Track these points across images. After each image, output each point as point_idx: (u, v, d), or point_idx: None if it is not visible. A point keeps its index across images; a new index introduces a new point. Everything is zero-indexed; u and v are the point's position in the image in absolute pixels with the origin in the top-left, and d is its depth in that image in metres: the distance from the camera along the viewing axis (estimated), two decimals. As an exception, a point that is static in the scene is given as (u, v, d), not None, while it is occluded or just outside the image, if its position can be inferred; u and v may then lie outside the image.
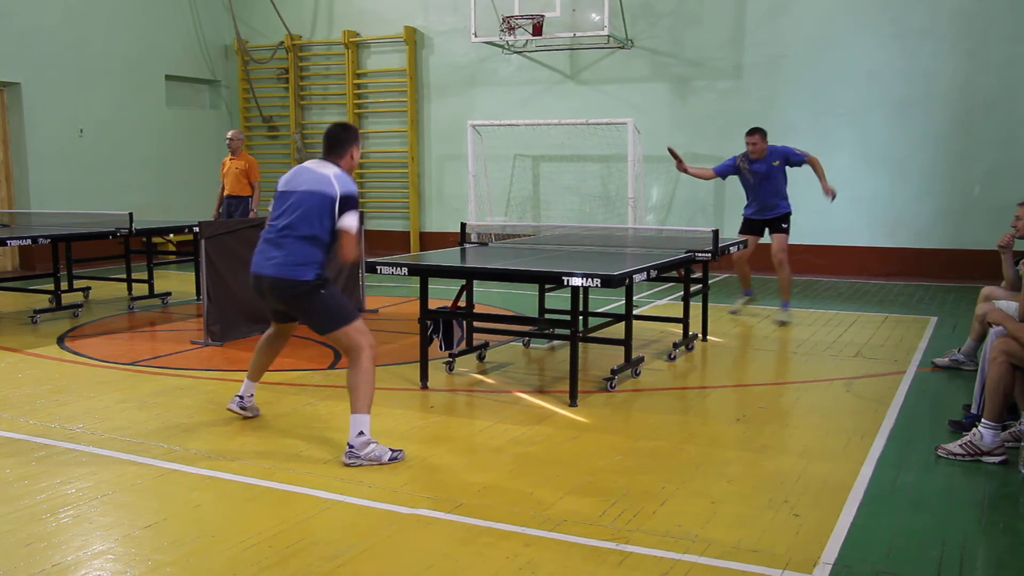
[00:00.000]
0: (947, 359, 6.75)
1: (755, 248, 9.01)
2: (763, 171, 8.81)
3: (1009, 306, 5.33)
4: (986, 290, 6.42)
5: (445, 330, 6.45)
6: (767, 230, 9.01)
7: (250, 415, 5.45)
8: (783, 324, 8.73)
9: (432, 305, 6.32)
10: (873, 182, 12.05)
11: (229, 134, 11.54)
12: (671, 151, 8.85)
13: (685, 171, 8.88)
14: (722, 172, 9.09)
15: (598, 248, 7.34)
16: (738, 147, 12.64)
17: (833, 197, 8.72)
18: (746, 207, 9.12)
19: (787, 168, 8.91)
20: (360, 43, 15.16)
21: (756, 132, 8.85)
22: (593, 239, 8.13)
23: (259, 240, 4.96)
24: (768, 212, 8.93)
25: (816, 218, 12.34)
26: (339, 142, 4.92)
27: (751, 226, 9.05)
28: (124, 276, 10.24)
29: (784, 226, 8.93)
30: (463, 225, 7.53)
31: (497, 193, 14.00)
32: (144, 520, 3.94)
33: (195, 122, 15.80)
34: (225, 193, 11.53)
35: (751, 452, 4.89)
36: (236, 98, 16.32)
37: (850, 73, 11.99)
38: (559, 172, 13.79)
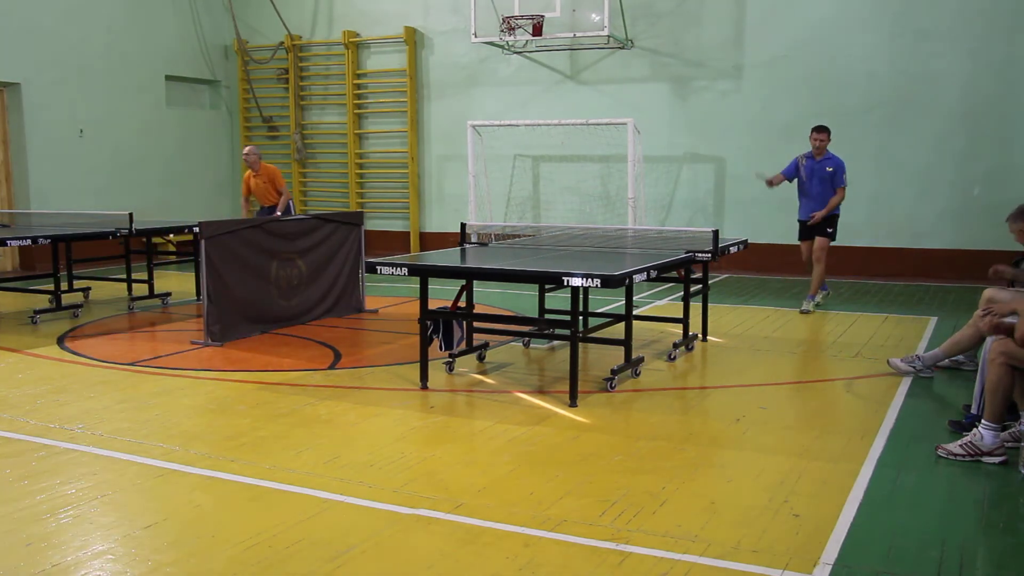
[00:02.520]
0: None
1: (810, 253, 9.50)
2: (814, 171, 9.29)
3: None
4: (987, 292, 6.39)
5: (445, 330, 6.46)
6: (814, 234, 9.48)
7: None
8: (806, 312, 9.26)
9: (432, 305, 6.32)
10: (873, 182, 12.04)
11: (245, 151, 11.45)
12: (767, 181, 9.51)
13: (771, 183, 9.52)
14: (788, 174, 9.56)
15: (598, 248, 7.34)
16: (736, 147, 12.73)
17: (815, 222, 9.39)
18: (799, 210, 9.56)
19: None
20: (360, 43, 15.16)
21: (825, 130, 9.30)
22: (593, 239, 8.13)
23: None
24: (808, 215, 9.40)
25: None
26: None
27: (801, 230, 9.57)
28: (124, 276, 10.25)
29: (829, 230, 9.39)
30: (463, 225, 7.53)
31: (497, 193, 14.00)
32: (144, 520, 3.94)
33: (195, 122, 15.81)
34: (259, 207, 11.54)
35: (751, 452, 4.89)
36: (236, 98, 16.33)
37: (850, 73, 11.99)
38: (559, 172, 13.79)
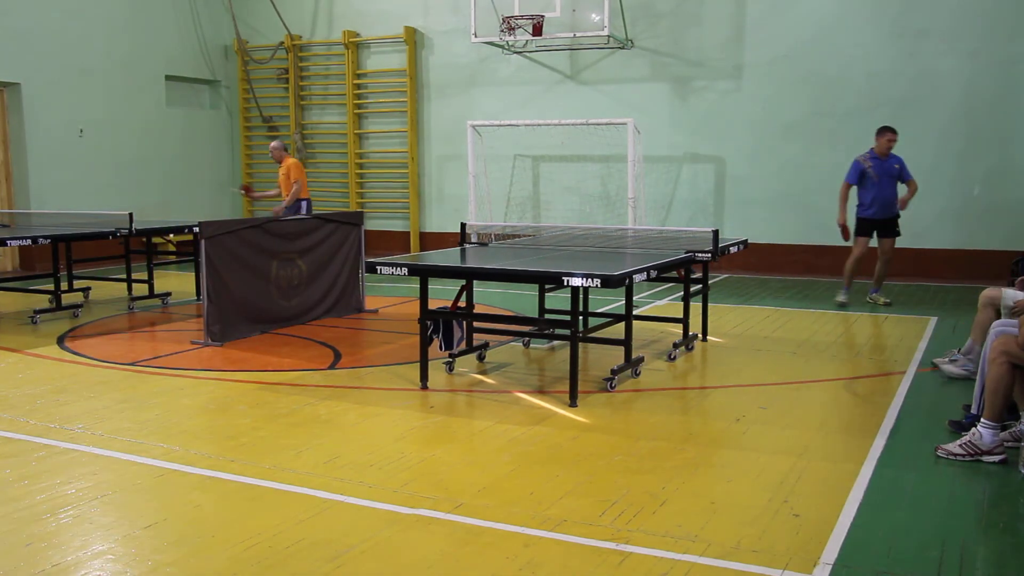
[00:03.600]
0: (947, 359, 6.73)
1: (867, 250, 9.73)
2: (884, 170, 9.52)
3: (1015, 295, 5.33)
4: (987, 292, 6.39)
5: (445, 330, 6.46)
6: (875, 232, 9.72)
7: None
8: (887, 304, 9.72)
9: (432, 305, 6.32)
10: (873, 182, 12.04)
11: (270, 146, 11.74)
12: (842, 229, 9.72)
13: (844, 219, 9.71)
14: (854, 179, 9.67)
15: (598, 248, 7.34)
16: (737, 147, 12.71)
17: (903, 207, 9.69)
18: (864, 208, 9.65)
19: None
20: (360, 43, 15.16)
21: (895, 130, 9.57)
22: (593, 239, 8.13)
23: None
24: (884, 213, 9.60)
25: (816, 218, 12.34)
26: None
27: (867, 227, 9.70)
28: (124, 276, 10.25)
29: (897, 230, 9.74)
30: (463, 225, 7.53)
31: (497, 193, 14.00)
32: (144, 520, 3.94)
33: (195, 122, 15.81)
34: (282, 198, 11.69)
35: (751, 452, 4.89)
36: (236, 98, 16.32)
37: (850, 73, 11.99)
38: (559, 172, 13.78)
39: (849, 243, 9.87)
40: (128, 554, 3.62)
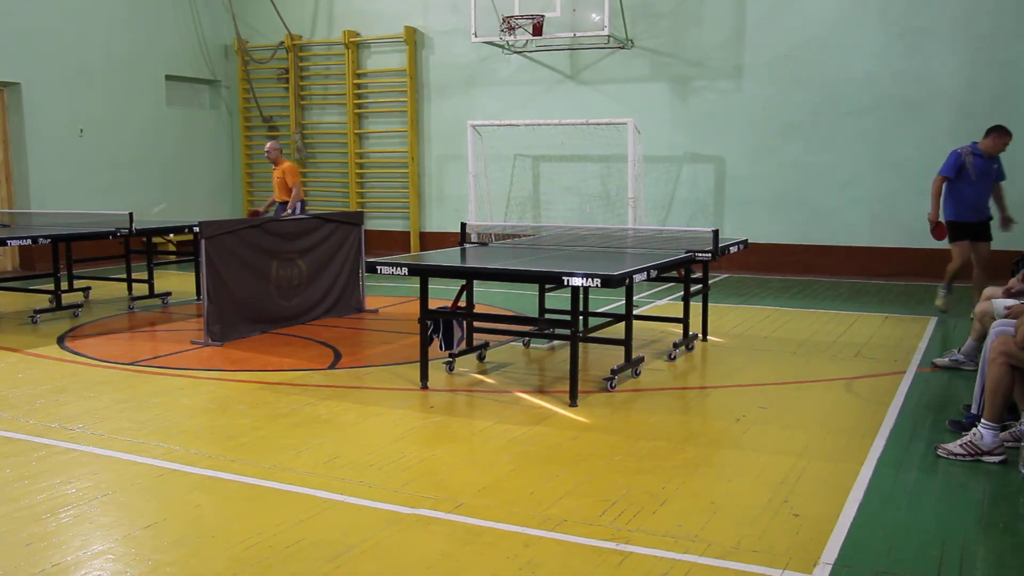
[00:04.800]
0: (947, 359, 6.74)
1: (968, 256, 8.88)
2: (985, 169, 8.72)
3: (1005, 302, 5.35)
4: (987, 291, 6.40)
5: (445, 330, 6.46)
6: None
7: None
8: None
9: (432, 305, 6.33)
10: (873, 182, 12.04)
11: (266, 147, 11.87)
12: (935, 226, 8.85)
13: (937, 215, 8.82)
14: (951, 172, 8.74)
15: (598, 248, 7.34)
16: (737, 147, 12.70)
17: (1007, 225, 8.97)
18: (955, 209, 8.80)
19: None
20: (360, 43, 15.16)
21: (1011, 133, 8.76)
22: (593, 239, 8.13)
23: None
24: (980, 215, 8.84)
25: (816, 218, 12.35)
26: None
27: (962, 231, 8.84)
28: (124, 276, 10.25)
29: (990, 233, 8.94)
30: (463, 225, 7.53)
31: (497, 193, 14.00)
32: (144, 520, 3.94)
33: (195, 122, 15.81)
34: (275, 200, 11.88)
35: (751, 452, 4.89)
36: (236, 98, 16.32)
37: (850, 73, 11.99)
38: (559, 172, 13.78)
39: (943, 244, 9.06)
40: (128, 554, 3.62)
